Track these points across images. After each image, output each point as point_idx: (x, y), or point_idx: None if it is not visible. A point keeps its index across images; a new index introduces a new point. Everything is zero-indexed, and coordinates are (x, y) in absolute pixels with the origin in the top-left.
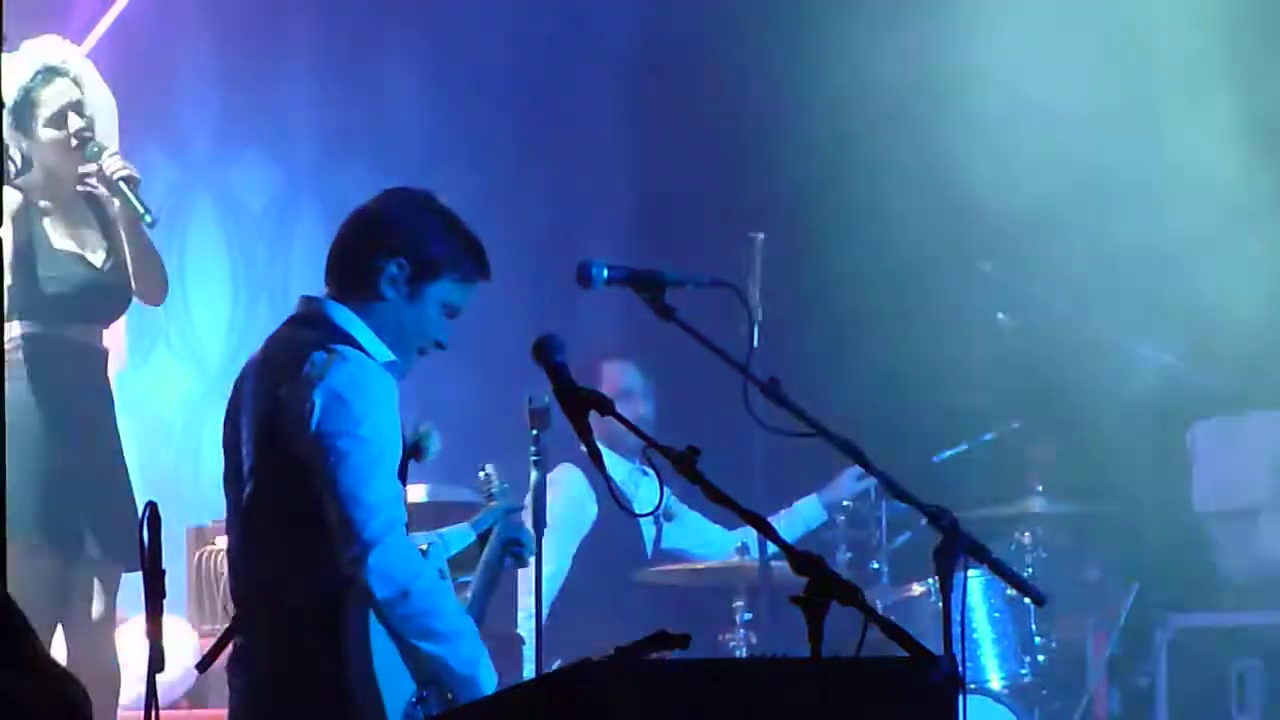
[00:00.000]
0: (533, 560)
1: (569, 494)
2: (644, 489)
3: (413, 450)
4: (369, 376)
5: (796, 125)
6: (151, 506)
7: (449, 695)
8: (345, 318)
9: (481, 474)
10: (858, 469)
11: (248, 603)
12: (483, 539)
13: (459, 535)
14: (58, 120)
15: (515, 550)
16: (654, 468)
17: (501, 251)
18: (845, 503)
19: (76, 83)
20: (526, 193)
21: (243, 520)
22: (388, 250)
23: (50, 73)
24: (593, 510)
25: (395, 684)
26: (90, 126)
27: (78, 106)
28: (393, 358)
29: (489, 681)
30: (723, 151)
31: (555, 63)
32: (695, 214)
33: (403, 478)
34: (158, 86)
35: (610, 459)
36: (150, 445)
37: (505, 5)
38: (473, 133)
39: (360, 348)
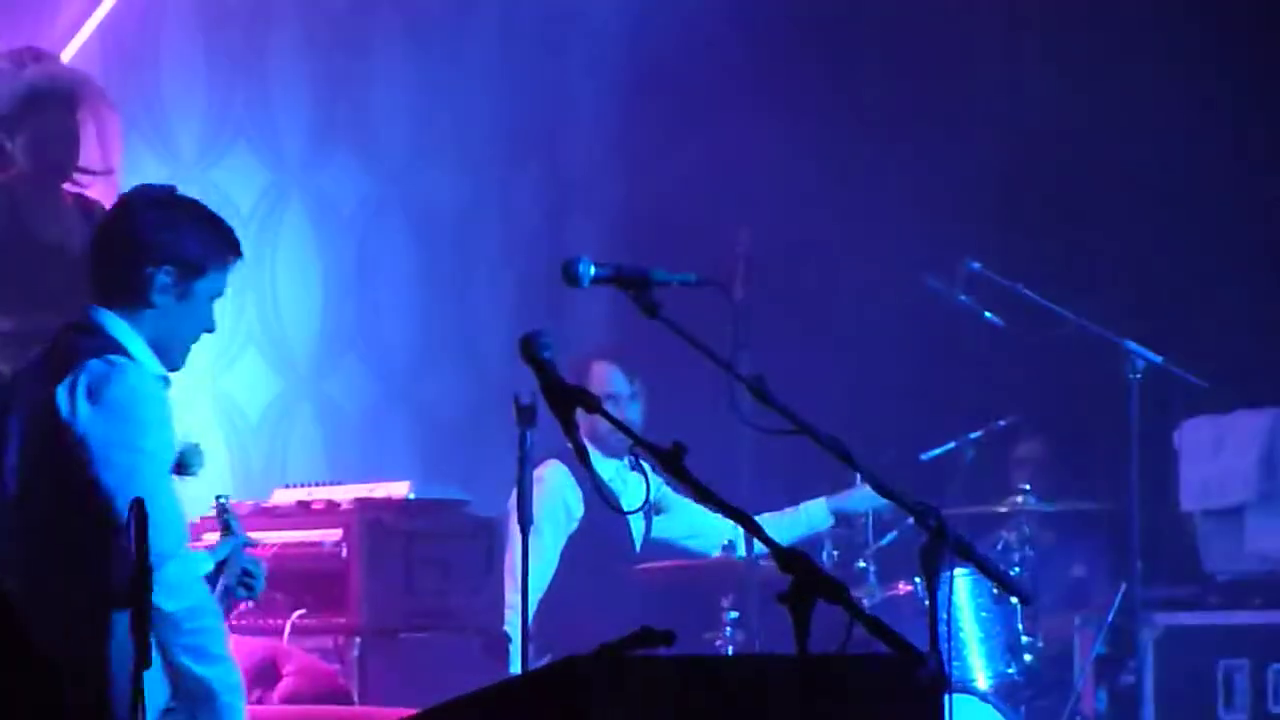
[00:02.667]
0: (519, 557)
1: (553, 491)
2: (631, 486)
3: (177, 466)
4: (148, 389)
5: (785, 122)
6: (138, 503)
7: (216, 711)
8: (119, 328)
9: (215, 505)
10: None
11: None
12: (220, 569)
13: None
14: (36, 146)
15: (247, 581)
16: (641, 466)
17: (489, 249)
18: (859, 518)
19: (68, 106)
20: (514, 190)
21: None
22: (153, 260)
23: (39, 99)
24: (578, 508)
25: (152, 692)
26: (69, 157)
27: (62, 137)
28: (163, 371)
29: (241, 709)
30: (711, 149)
31: (543, 59)
32: (683, 212)
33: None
34: (144, 83)
35: (595, 457)
36: None
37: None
38: (459, 129)
39: (132, 359)
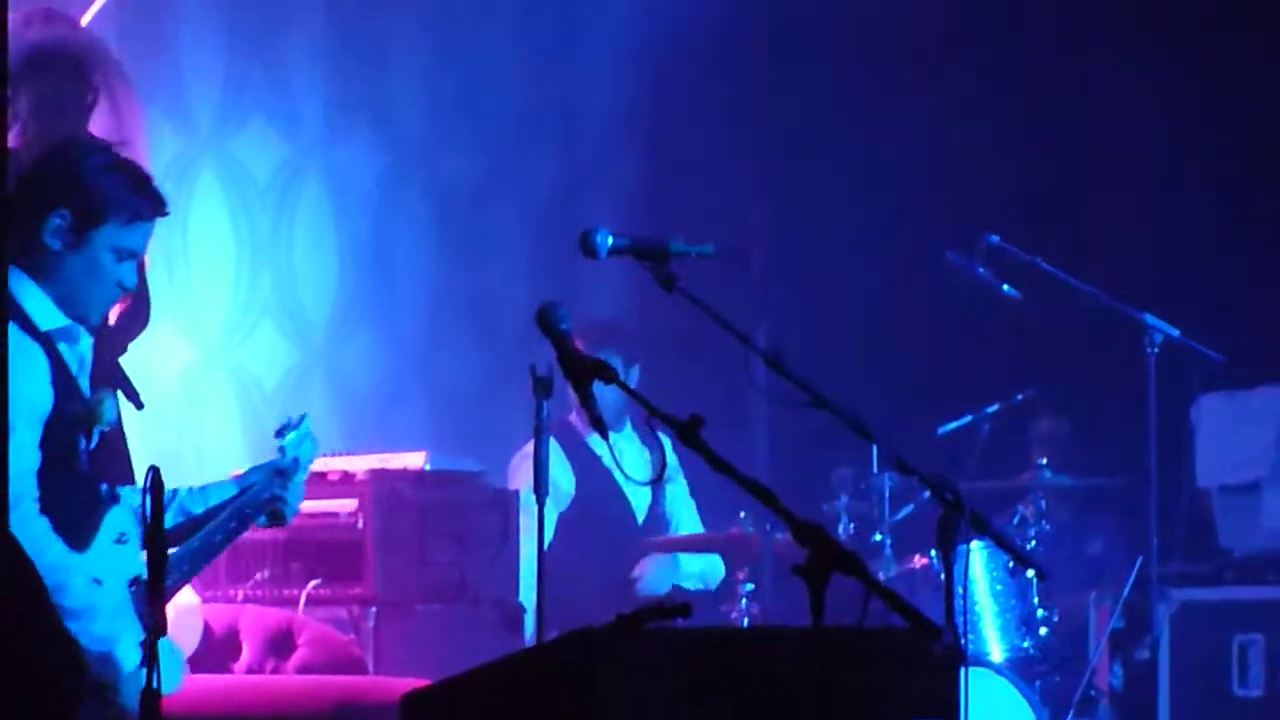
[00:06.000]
0: (533, 527)
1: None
2: (628, 458)
3: (87, 418)
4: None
5: (801, 96)
6: (154, 471)
7: (90, 668)
8: (16, 280)
9: (280, 433)
10: None
11: None
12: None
13: (220, 489)
14: (39, 112)
15: (277, 507)
16: (657, 436)
17: (505, 222)
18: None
19: (73, 71)
20: (531, 164)
21: None
22: (50, 203)
23: (43, 61)
24: (568, 484)
25: None
26: (73, 125)
27: (66, 104)
28: (64, 322)
29: (129, 659)
30: (728, 118)
31: (561, 33)
32: (700, 181)
33: (86, 441)
34: (161, 54)
35: (592, 433)
36: (152, 415)
37: None
38: (477, 103)
39: (23, 313)
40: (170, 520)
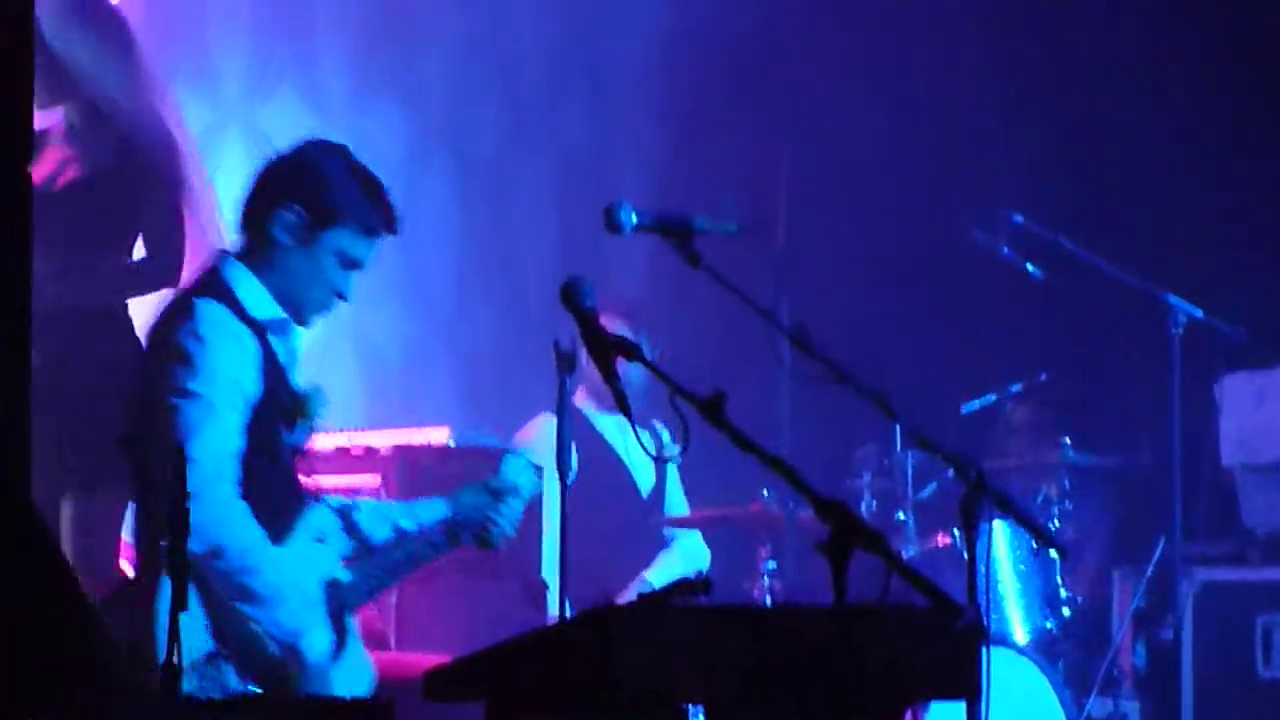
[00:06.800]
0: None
1: (547, 443)
2: (631, 438)
3: (293, 410)
4: (213, 329)
5: (831, 65)
6: (177, 453)
7: (274, 658)
8: (234, 271)
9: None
10: None
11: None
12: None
13: (431, 506)
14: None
15: (488, 528)
16: (679, 413)
17: (531, 183)
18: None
19: (111, 24)
20: (557, 131)
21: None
22: (285, 196)
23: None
24: (572, 460)
25: (191, 636)
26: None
27: (112, 67)
28: (279, 315)
29: (316, 651)
30: (756, 89)
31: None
32: (725, 148)
33: (289, 433)
34: (188, 26)
35: (597, 413)
36: None
37: None
38: (503, 71)
39: (236, 301)
40: (382, 535)
